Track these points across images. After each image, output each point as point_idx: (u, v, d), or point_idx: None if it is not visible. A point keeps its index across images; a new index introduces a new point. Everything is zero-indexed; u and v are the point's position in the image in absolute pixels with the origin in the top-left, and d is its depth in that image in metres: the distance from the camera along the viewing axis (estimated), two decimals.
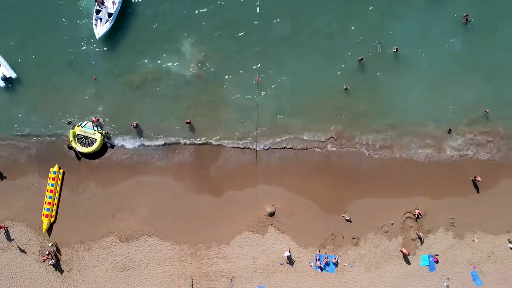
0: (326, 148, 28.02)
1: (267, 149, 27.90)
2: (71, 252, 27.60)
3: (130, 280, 27.47)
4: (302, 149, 28.03)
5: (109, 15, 27.34)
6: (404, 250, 26.90)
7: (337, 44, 27.89)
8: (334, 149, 28.00)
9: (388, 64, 28.01)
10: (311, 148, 28.03)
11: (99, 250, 27.56)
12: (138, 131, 27.98)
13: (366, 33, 27.93)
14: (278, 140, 27.97)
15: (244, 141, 27.88)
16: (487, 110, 27.79)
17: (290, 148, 28.02)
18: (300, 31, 27.89)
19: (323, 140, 27.97)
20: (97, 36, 27.29)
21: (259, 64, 27.70)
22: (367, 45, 27.87)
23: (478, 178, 27.10)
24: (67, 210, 27.75)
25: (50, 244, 27.28)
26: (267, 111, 27.98)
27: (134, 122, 27.67)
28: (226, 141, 27.87)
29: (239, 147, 27.86)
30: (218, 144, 27.90)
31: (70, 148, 27.87)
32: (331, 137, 27.99)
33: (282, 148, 28.01)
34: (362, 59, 27.60)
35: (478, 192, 27.65)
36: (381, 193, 27.69)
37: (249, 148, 27.88)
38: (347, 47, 27.86)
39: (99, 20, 27.44)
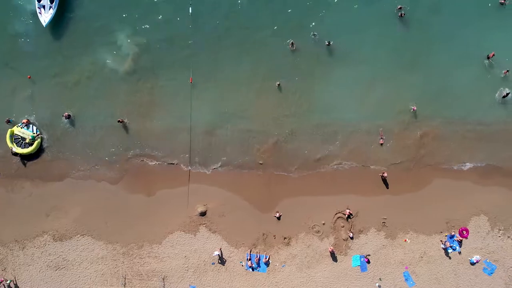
0: (248, 145, 28.04)
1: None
2: (6, 251, 27.92)
3: (64, 279, 27.73)
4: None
5: (51, 0, 27.59)
6: (331, 248, 26.83)
7: (270, 41, 27.99)
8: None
9: (322, 58, 28.02)
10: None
11: (34, 249, 27.86)
12: (77, 133, 28.15)
13: (300, 25, 28.02)
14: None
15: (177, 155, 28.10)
16: (414, 108, 27.71)
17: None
18: (232, 30, 27.98)
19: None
20: (44, 24, 27.72)
21: (191, 65, 27.92)
22: (301, 38, 27.94)
23: (385, 174, 27.13)
24: (2, 209, 28.07)
25: None
26: (202, 113, 28.09)
27: (66, 113, 27.76)
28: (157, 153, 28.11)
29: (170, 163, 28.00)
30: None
31: (15, 154, 28.08)
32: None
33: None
34: (292, 44, 27.64)
35: (387, 187, 27.55)
36: (312, 192, 27.65)
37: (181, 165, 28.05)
38: (280, 43, 27.95)
39: (42, 8, 27.76)
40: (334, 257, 27.30)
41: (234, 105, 28.12)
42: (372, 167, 27.87)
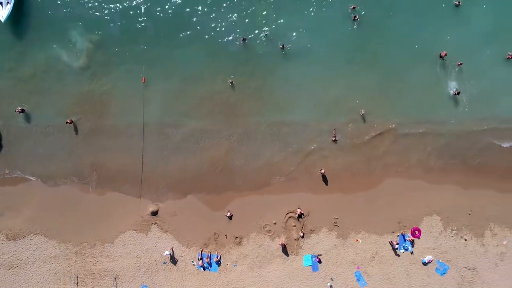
0: (201, 144, 28.05)
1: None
2: None
3: (17, 278, 27.85)
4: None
5: None
6: (281, 242, 26.77)
7: (223, 39, 27.99)
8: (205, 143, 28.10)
9: (274, 58, 27.99)
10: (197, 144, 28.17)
11: None
12: (30, 130, 28.17)
13: (252, 25, 28.03)
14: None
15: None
16: (363, 111, 27.65)
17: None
18: (185, 27, 28.01)
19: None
20: (2, 20, 27.70)
21: (144, 64, 27.93)
22: (255, 37, 27.99)
23: (322, 171, 27.07)
24: None
25: None
26: (155, 111, 28.11)
27: (19, 108, 27.78)
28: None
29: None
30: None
31: None
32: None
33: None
34: (244, 39, 27.62)
35: (326, 184, 27.50)
36: (264, 191, 27.64)
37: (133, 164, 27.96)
38: (233, 41, 27.99)
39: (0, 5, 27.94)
40: (285, 252, 27.15)
41: (186, 103, 28.06)
42: (322, 166, 27.75)
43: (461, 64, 27.47)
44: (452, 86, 27.60)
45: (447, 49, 27.52)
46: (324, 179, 27.49)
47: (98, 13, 28.17)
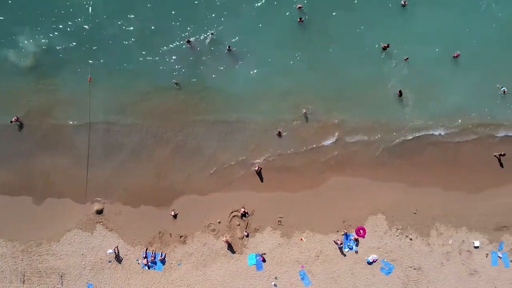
0: (146, 143, 28.05)
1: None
2: None
3: None
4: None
5: None
6: (225, 239, 26.82)
7: (170, 39, 27.99)
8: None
9: (221, 59, 28.02)
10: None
11: None
12: None
13: (198, 26, 28.06)
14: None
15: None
16: (305, 110, 27.63)
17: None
18: (132, 28, 28.12)
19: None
20: None
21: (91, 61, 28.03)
22: (201, 36, 28.06)
23: (256, 168, 27.21)
24: None
25: None
26: (101, 110, 28.20)
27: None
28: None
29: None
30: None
31: None
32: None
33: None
34: (189, 41, 27.67)
35: (262, 181, 27.53)
36: (209, 190, 27.66)
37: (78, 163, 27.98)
38: (180, 42, 28.02)
39: None
40: (230, 251, 27.14)
41: (132, 103, 28.13)
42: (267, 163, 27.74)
43: (407, 58, 27.35)
44: (397, 84, 27.44)
45: (396, 48, 27.47)
46: (260, 176, 27.42)
47: (45, 15, 28.16)
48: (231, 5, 28.03)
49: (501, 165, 27.92)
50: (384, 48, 27.40)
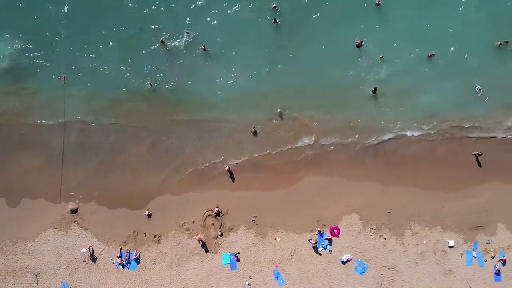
0: (121, 142, 28.08)
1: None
2: None
3: None
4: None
5: None
6: (198, 238, 26.83)
7: (144, 39, 28.00)
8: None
9: (196, 59, 28.02)
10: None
11: None
12: None
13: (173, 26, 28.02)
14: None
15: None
16: (279, 110, 27.63)
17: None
18: (107, 28, 28.13)
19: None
20: None
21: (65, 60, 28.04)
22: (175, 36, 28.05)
23: (226, 167, 27.18)
24: None
25: None
26: (75, 110, 28.24)
27: None
28: None
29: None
30: None
31: None
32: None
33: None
34: (163, 42, 27.61)
35: (233, 181, 27.64)
36: (183, 189, 27.68)
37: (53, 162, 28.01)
38: (154, 42, 27.97)
39: None
40: (204, 250, 27.15)
41: (107, 103, 28.17)
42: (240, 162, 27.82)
43: (382, 57, 27.29)
44: (372, 83, 27.35)
45: (371, 47, 27.42)
46: (232, 176, 27.43)
47: (21, 18, 28.19)
48: (206, 6, 27.91)
49: (479, 164, 27.77)
50: (358, 45, 27.30)
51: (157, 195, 27.78)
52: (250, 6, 27.84)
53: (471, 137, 27.63)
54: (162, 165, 27.92)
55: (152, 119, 28.07)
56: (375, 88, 27.13)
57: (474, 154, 27.49)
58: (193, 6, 28.04)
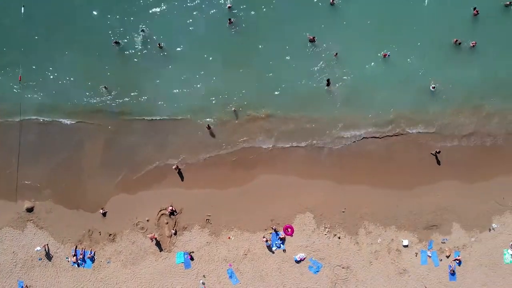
0: (76, 141, 28.23)
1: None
2: None
3: None
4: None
5: None
6: (151, 236, 26.86)
7: (98, 38, 28.01)
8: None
9: (151, 59, 28.02)
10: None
11: None
12: None
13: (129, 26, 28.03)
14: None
15: None
16: (234, 108, 27.67)
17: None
18: (62, 29, 28.19)
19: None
20: None
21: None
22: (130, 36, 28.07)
23: (175, 166, 27.18)
24: None
25: None
26: (31, 108, 28.36)
27: None
28: None
29: None
30: None
31: None
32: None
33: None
34: (117, 42, 27.71)
35: (182, 180, 27.62)
36: (138, 188, 27.74)
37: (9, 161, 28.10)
38: (108, 42, 27.98)
39: None
40: (159, 249, 27.19)
41: (63, 102, 28.22)
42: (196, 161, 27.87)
43: (336, 54, 27.22)
44: (325, 77, 27.31)
45: (324, 46, 27.36)
46: (181, 175, 27.47)
47: None
48: (161, 4, 27.93)
49: (438, 162, 27.66)
50: (311, 41, 27.22)
51: (112, 194, 27.84)
52: (204, 6, 27.68)
53: (426, 135, 27.49)
54: (117, 165, 27.96)
55: (108, 118, 28.09)
56: (328, 80, 27.02)
57: (432, 153, 27.38)
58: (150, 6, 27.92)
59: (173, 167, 27.16)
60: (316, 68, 27.63)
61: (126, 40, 28.02)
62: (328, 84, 27.15)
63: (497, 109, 27.57)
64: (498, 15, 27.40)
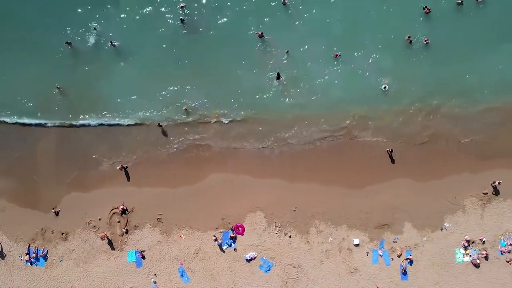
0: (28, 141, 28.38)
1: None
2: None
3: None
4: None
5: None
6: (102, 235, 26.95)
7: (48, 40, 28.11)
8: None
9: (103, 57, 28.13)
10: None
11: None
12: None
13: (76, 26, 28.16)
14: None
15: None
16: (185, 108, 27.76)
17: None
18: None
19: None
20: None
21: None
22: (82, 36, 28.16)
23: (122, 166, 27.38)
24: None
25: None
26: None
27: None
28: None
29: None
30: None
31: None
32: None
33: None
34: (69, 42, 27.73)
35: (128, 180, 27.84)
36: (90, 187, 27.85)
37: None
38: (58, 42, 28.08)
39: None
40: (111, 248, 27.26)
41: (15, 102, 28.35)
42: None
43: (288, 52, 27.24)
44: (275, 72, 27.36)
45: (275, 44, 27.40)
46: (127, 174, 27.55)
47: None
48: (114, 2, 28.04)
49: (393, 161, 27.58)
50: (260, 36, 27.23)
51: (65, 193, 27.94)
52: (156, 5, 27.76)
53: (378, 135, 27.48)
54: (70, 164, 28.08)
55: (61, 119, 28.22)
56: (279, 74, 27.02)
57: (387, 150, 27.29)
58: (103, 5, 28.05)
59: (117, 167, 27.21)
60: (268, 67, 27.57)
61: (78, 39, 28.00)
62: (278, 77, 27.08)
63: (450, 107, 27.40)
64: (451, 13, 27.23)
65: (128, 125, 27.98)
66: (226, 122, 27.79)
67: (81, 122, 28.16)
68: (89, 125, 28.13)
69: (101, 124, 28.07)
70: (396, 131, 27.50)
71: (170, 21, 27.96)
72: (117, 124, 28.05)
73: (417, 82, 27.28)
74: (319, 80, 27.46)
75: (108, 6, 27.97)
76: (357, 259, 26.84)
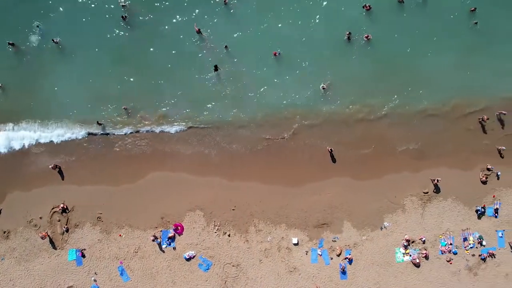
0: None
1: None
2: None
3: None
4: None
5: None
6: (42, 234, 27.01)
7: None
8: None
9: (46, 56, 28.10)
10: None
11: None
12: None
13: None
14: None
15: None
16: (125, 106, 27.76)
17: None
18: None
19: None
20: None
21: None
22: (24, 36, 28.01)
23: (54, 165, 27.30)
24: None
25: None
26: None
27: None
28: None
29: None
30: None
31: None
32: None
33: None
34: (13, 44, 27.75)
35: (63, 179, 27.73)
36: (32, 184, 27.87)
37: None
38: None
39: None
40: (52, 247, 27.34)
41: None
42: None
43: (226, 47, 27.25)
44: (213, 64, 27.28)
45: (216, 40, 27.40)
46: (61, 174, 27.61)
47: None
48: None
49: (334, 160, 27.45)
50: (198, 32, 27.14)
51: (6, 191, 27.98)
52: (98, 3, 27.72)
53: (318, 134, 27.32)
54: (11, 162, 28.11)
55: (4, 118, 28.28)
56: (216, 66, 26.93)
57: (328, 149, 27.14)
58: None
59: (50, 166, 27.23)
60: (207, 65, 27.46)
61: (22, 37, 27.94)
62: (216, 70, 26.97)
63: (390, 107, 27.17)
64: (392, 10, 27.00)
65: (67, 123, 27.90)
66: (167, 121, 27.64)
67: (21, 120, 28.06)
68: (28, 124, 28.09)
69: (42, 123, 27.98)
70: (336, 131, 27.30)
71: (111, 18, 27.75)
72: (58, 123, 27.96)
73: (356, 81, 27.11)
74: (257, 79, 27.23)
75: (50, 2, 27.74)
76: (296, 258, 26.76)
